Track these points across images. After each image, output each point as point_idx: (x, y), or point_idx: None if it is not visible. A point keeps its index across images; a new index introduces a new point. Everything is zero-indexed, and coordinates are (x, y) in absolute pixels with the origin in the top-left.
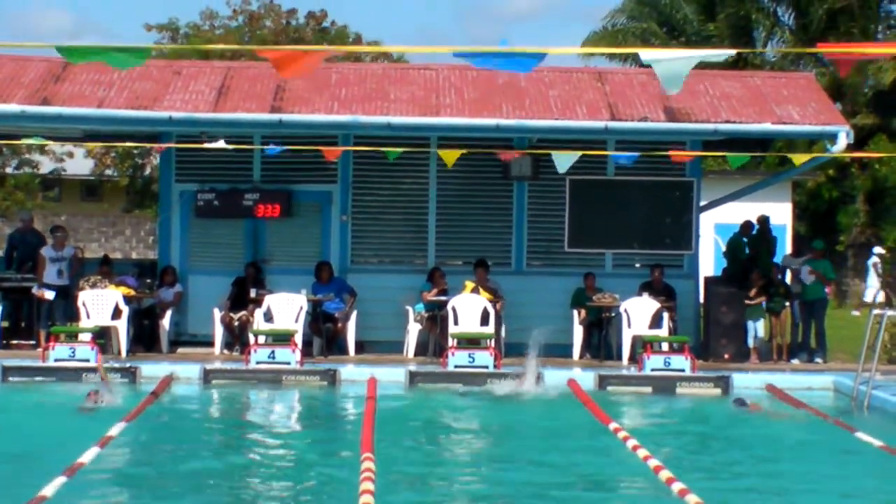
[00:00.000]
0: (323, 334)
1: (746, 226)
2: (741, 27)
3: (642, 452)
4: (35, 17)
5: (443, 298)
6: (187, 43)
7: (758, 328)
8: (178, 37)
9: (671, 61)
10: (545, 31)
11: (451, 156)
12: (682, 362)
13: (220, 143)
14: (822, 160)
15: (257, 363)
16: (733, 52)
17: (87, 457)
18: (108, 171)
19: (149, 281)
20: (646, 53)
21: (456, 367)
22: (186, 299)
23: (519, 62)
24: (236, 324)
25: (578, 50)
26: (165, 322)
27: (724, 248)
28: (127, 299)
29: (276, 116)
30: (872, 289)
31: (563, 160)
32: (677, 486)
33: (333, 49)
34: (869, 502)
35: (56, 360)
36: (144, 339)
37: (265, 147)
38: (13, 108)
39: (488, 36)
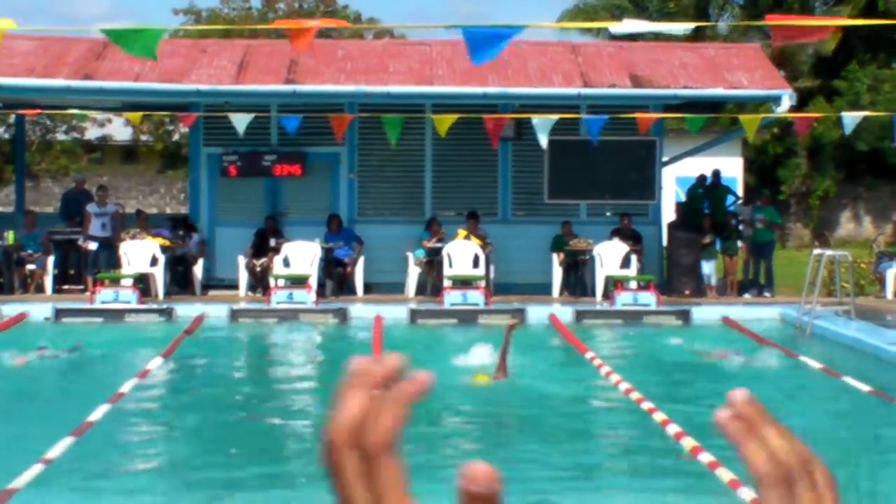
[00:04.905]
0: (334, 277)
1: (701, 178)
2: (696, 4)
3: (613, 377)
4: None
5: (439, 245)
6: (210, 23)
7: (711, 267)
8: (202, 19)
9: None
10: (524, 6)
11: (444, 122)
12: (648, 298)
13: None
14: (768, 120)
15: (277, 303)
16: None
17: (127, 387)
18: (144, 137)
19: (181, 233)
20: (614, 27)
21: (451, 304)
22: (213, 248)
23: (495, 36)
24: (258, 269)
25: (550, 25)
26: (197, 268)
27: (683, 198)
28: (163, 248)
29: (290, 87)
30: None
31: (542, 123)
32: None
33: (338, 23)
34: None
35: (102, 303)
36: (179, 283)
37: (282, 116)
38: (59, 82)
39: (474, 12)
